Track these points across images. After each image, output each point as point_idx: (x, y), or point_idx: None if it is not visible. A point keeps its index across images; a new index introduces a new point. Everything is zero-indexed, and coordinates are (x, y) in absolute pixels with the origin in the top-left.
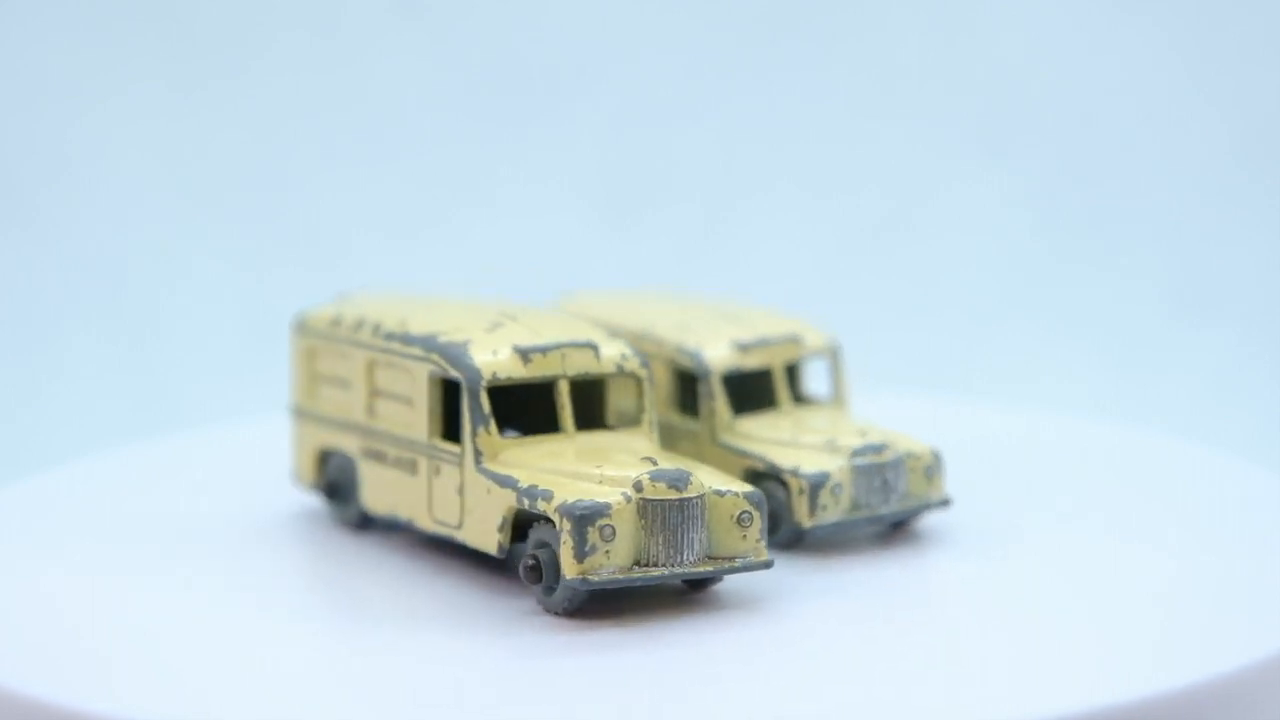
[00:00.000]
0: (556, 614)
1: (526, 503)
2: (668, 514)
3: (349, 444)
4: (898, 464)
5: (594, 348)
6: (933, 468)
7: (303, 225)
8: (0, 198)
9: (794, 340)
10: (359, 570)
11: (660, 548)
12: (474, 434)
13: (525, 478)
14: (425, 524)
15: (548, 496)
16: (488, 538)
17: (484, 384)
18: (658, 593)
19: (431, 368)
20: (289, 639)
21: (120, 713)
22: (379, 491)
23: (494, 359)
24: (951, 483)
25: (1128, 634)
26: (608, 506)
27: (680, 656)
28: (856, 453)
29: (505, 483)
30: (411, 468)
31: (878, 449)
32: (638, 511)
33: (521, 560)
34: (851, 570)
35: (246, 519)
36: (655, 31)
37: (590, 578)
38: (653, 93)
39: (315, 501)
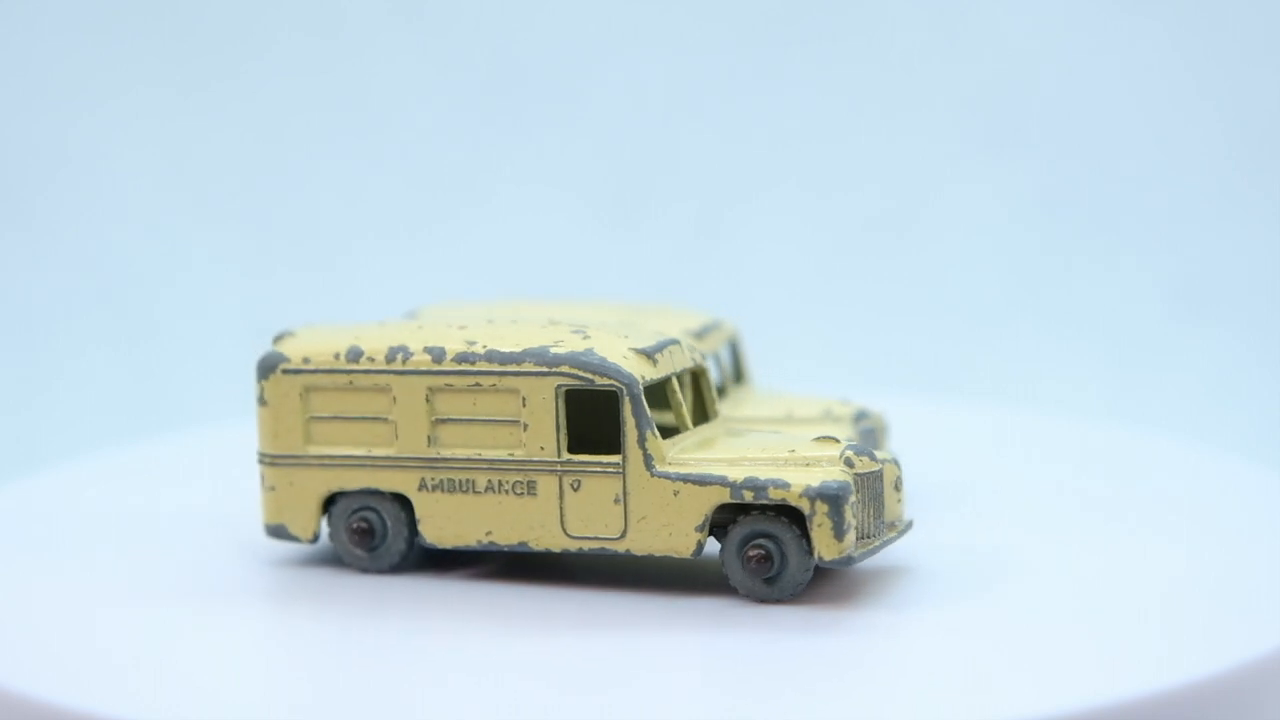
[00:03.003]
0: (777, 601)
1: (748, 495)
2: (874, 485)
3: (388, 481)
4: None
5: (679, 344)
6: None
7: (302, 225)
8: (0, 198)
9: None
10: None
11: (871, 520)
12: (641, 440)
13: (730, 472)
14: (552, 543)
15: (782, 485)
16: (679, 540)
17: (642, 388)
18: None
19: (560, 381)
20: (290, 639)
21: (120, 713)
22: (453, 523)
23: (633, 363)
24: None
25: (1128, 632)
26: (850, 485)
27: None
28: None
29: (706, 480)
30: (527, 489)
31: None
32: (854, 486)
33: (741, 553)
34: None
35: (247, 519)
36: (655, 32)
37: (851, 554)
38: (652, 93)
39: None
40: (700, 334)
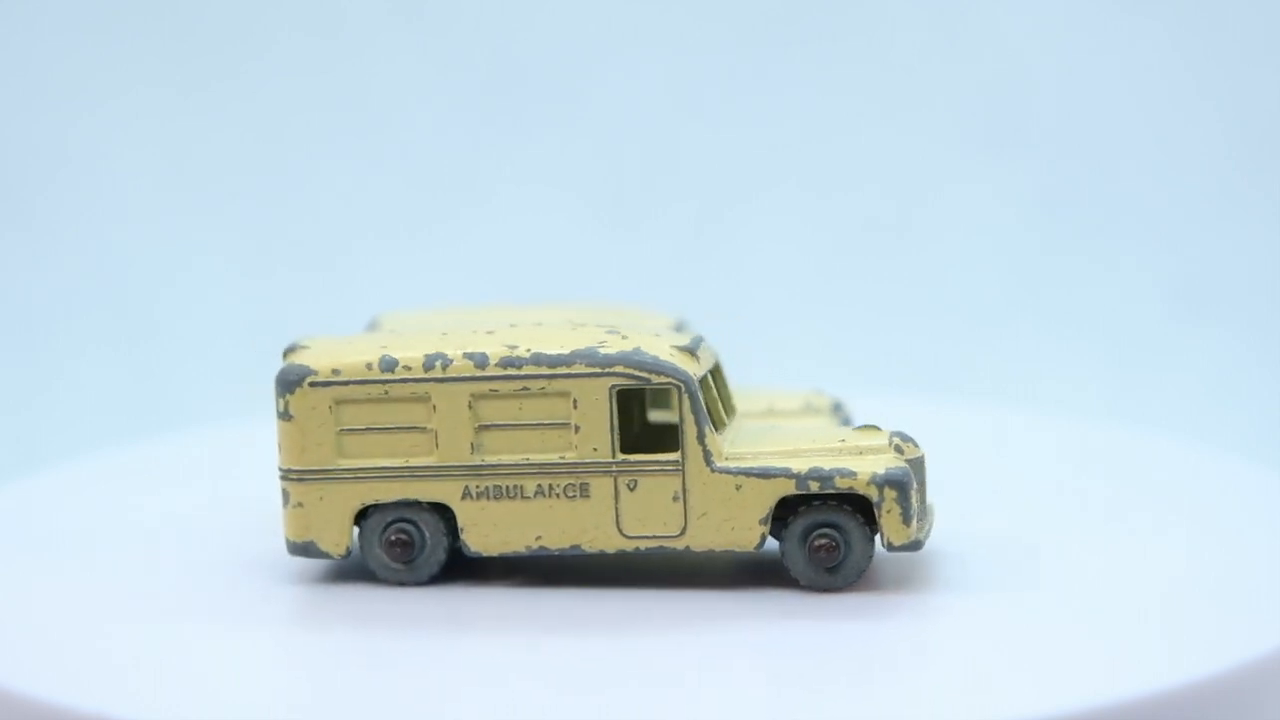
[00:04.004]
0: (836, 590)
1: (814, 485)
2: (920, 470)
3: (427, 491)
4: None
5: (705, 341)
6: None
7: (302, 225)
8: (0, 198)
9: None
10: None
11: (921, 503)
12: (700, 436)
13: (793, 463)
14: (606, 544)
15: (848, 474)
16: (741, 534)
17: (699, 384)
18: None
19: (615, 381)
20: (290, 639)
21: (120, 713)
22: (500, 530)
23: (681, 360)
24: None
25: (1128, 632)
26: (910, 471)
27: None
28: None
29: (770, 473)
30: (580, 491)
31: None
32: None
33: (806, 543)
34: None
35: (247, 520)
36: (655, 32)
37: (919, 538)
38: (652, 93)
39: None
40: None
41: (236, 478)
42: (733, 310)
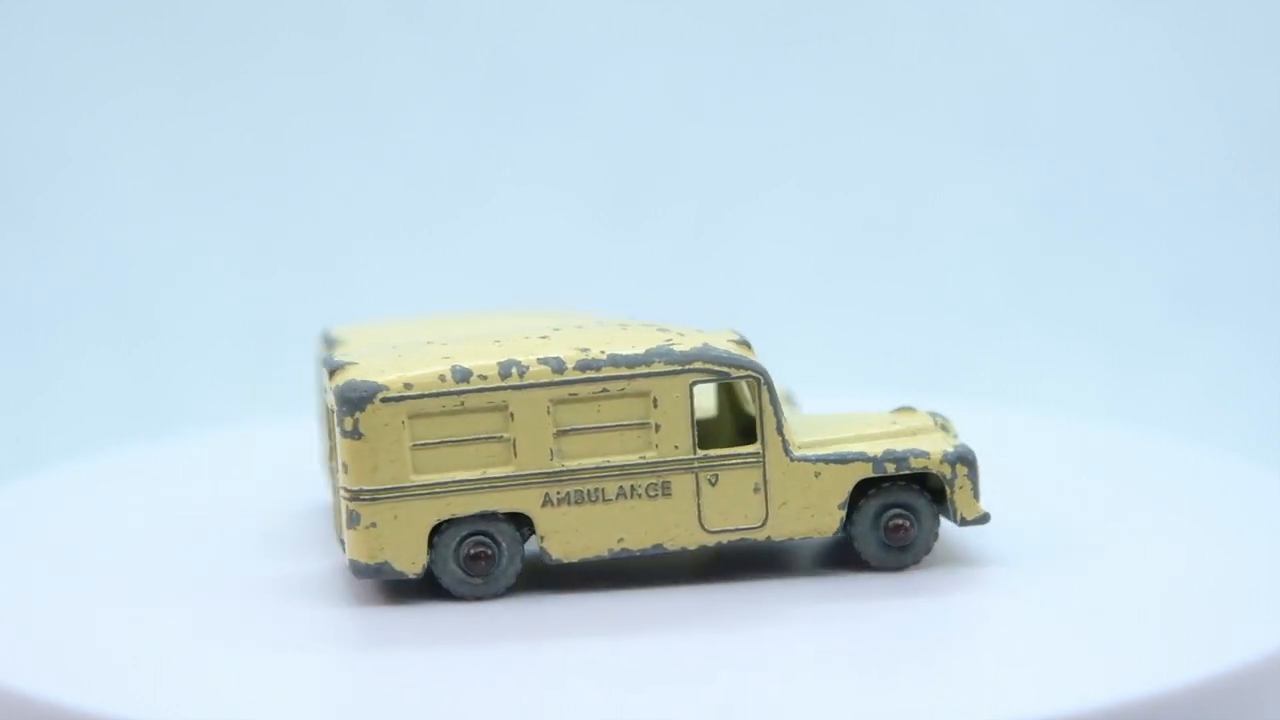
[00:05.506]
0: (902, 569)
1: (890, 467)
2: None
3: (506, 502)
4: None
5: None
6: None
7: (302, 225)
8: (0, 198)
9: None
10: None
11: None
12: (779, 427)
13: (867, 447)
14: (688, 541)
15: (921, 454)
16: (821, 520)
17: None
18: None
19: (694, 378)
20: (289, 639)
21: (120, 713)
22: (581, 535)
23: (749, 353)
24: None
25: (1128, 632)
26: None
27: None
28: None
29: (847, 458)
30: (661, 490)
31: None
32: None
33: (879, 525)
34: (852, 571)
35: (248, 520)
36: (655, 32)
37: (987, 512)
38: (652, 93)
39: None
40: None
41: (237, 478)
42: (733, 310)
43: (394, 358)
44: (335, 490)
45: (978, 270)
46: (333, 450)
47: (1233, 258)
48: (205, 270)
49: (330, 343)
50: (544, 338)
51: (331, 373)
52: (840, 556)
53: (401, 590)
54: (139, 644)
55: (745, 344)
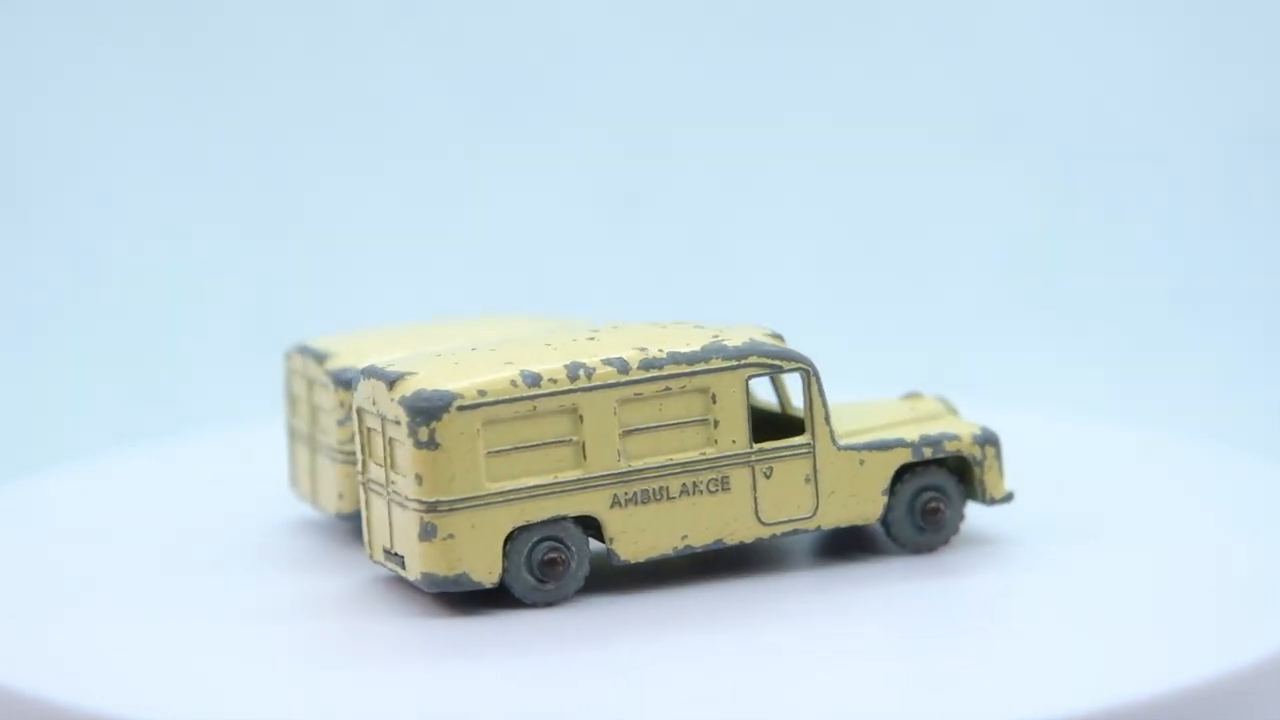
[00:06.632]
0: (933, 550)
1: (928, 451)
2: None
3: (576, 505)
4: None
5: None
6: None
7: (304, 226)
8: (0, 198)
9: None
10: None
11: None
12: (826, 418)
13: (904, 433)
14: (745, 534)
15: (953, 437)
16: (866, 507)
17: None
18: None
19: (749, 372)
20: (289, 639)
21: (120, 713)
22: (648, 535)
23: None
24: None
25: (1129, 632)
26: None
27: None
28: None
29: (888, 445)
30: (721, 485)
31: None
32: None
33: (914, 507)
34: (858, 569)
35: (248, 520)
36: (655, 32)
37: (1011, 490)
38: (652, 93)
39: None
40: None
41: (237, 478)
42: (733, 310)
43: (451, 365)
44: (368, 504)
45: (978, 270)
46: (367, 463)
47: (1240, 254)
48: (205, 270)
49: (320, 356)
50: (591, 339)
51: (391, 384)
52: (834, 546)
53: (402, 590)
54: (139, 644)
55: (780, 337)
